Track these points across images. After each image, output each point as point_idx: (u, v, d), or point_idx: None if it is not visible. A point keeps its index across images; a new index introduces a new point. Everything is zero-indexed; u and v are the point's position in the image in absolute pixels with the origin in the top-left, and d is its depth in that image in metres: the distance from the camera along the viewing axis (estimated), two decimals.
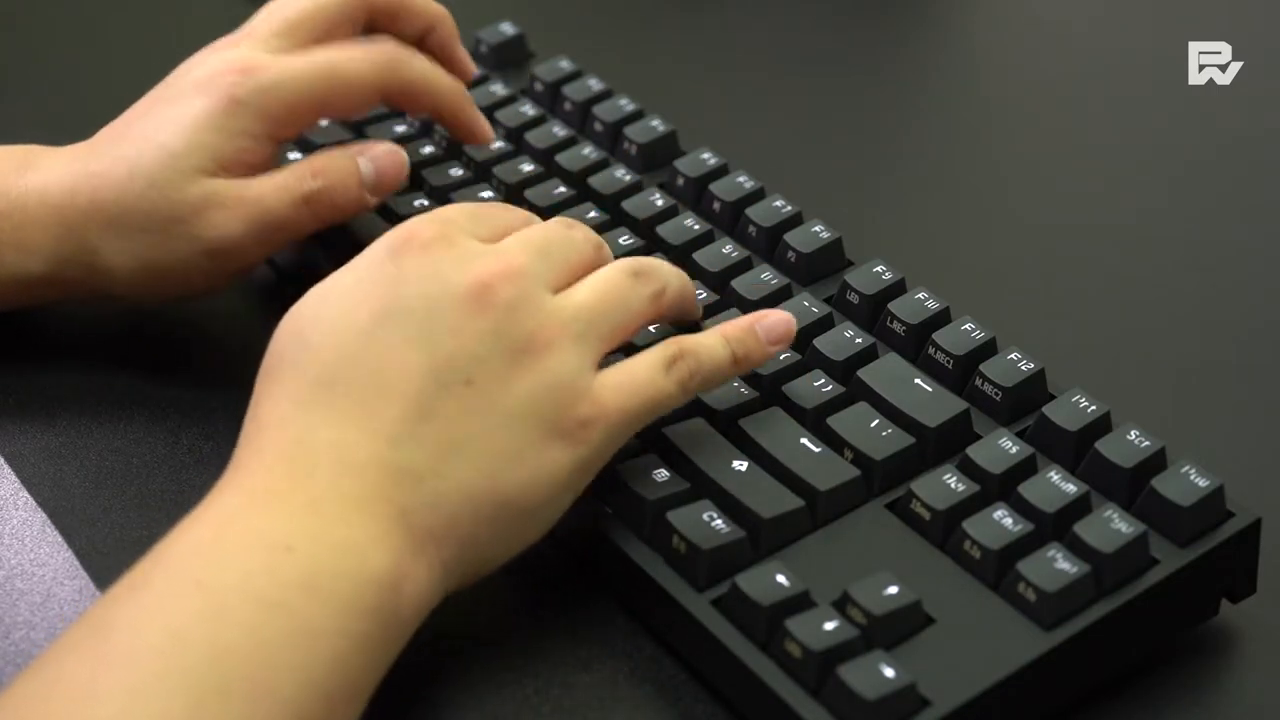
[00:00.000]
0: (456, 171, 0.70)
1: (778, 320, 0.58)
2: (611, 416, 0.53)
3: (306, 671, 0.46)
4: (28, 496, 0.60)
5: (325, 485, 0.49)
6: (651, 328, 0.60)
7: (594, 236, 0.58)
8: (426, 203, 0.68)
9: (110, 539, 0.58)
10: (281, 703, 0.45)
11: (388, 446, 0.50)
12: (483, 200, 0.68)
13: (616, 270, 0.56)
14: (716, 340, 0.56)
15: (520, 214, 0.59)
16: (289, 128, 0.63)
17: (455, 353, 0.51)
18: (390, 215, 0.67)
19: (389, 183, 0.64)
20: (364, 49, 0.64)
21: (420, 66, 0.66)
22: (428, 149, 0.71)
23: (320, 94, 0.63)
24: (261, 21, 0.65)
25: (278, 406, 0.51)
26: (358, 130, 0.73)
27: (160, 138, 0.62)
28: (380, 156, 0.64)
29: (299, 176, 0.62)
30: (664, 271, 0.57)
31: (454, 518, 0.50)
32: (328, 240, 0.66)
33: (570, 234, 0.57)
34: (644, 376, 0.54)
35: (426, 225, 0.54)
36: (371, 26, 0.68)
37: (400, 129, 0.72)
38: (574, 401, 0.52)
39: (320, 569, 0.48)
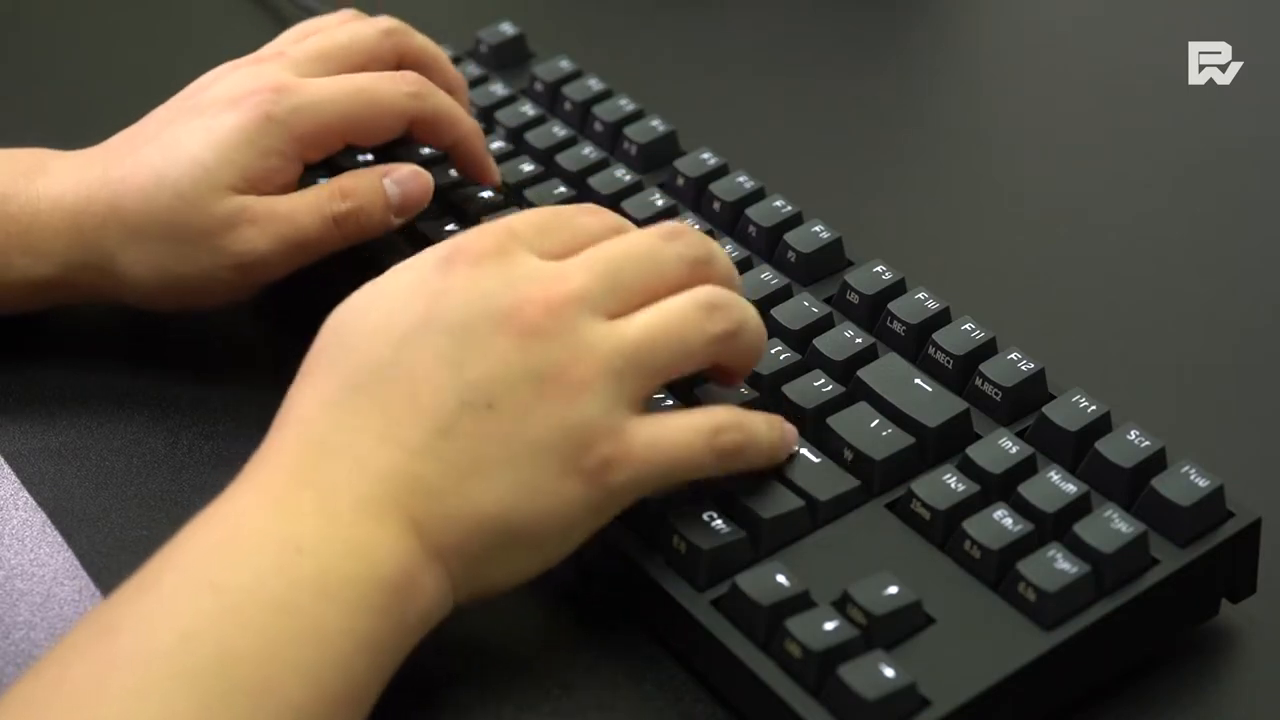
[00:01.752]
0: (456, 172, 0.70)
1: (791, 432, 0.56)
2: (636, 466, 0.51)
3: (313, 673, 0.46)
4: (28, 496, 0.60)
5: (340, 487, 0.49)
6: None
7: (694, 251, 0.54)
8: None
9: (110, 539, 0.58)
10: (287, 704, 0.45)
11: (406, 457, 0.50)
12: (488, 200, 0.68)
13: (687, 301, 0.53)
14: (770, 424, 0.54)
15: (609, 221, 0.55)
16: (318, 149, 0.63)
17: (482, 374, 0.50)
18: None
19: (413, 205, 0.64)
20: (393, 76, 0.65)
21: (446, 99, 0.66)
22: (427, 149, 0.71)
23: (352, 117, 0.63)
24: (293, 46, 0.66)
25: (306, 404, 0.51)
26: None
27: (191, 150, 0.61)
28: (406, 179, 0.64)
29: (329, 197, 0.63)
30: (743, 311, 0.54)
31: (465, 537, 0.50)
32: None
33: (659, 249, 0.53)
34: (681, 438, 0.52)
35: (484, 236, 0.53)
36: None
37: None
38: (597, 441, 0.51)
39: (330, 570, 0.48)
